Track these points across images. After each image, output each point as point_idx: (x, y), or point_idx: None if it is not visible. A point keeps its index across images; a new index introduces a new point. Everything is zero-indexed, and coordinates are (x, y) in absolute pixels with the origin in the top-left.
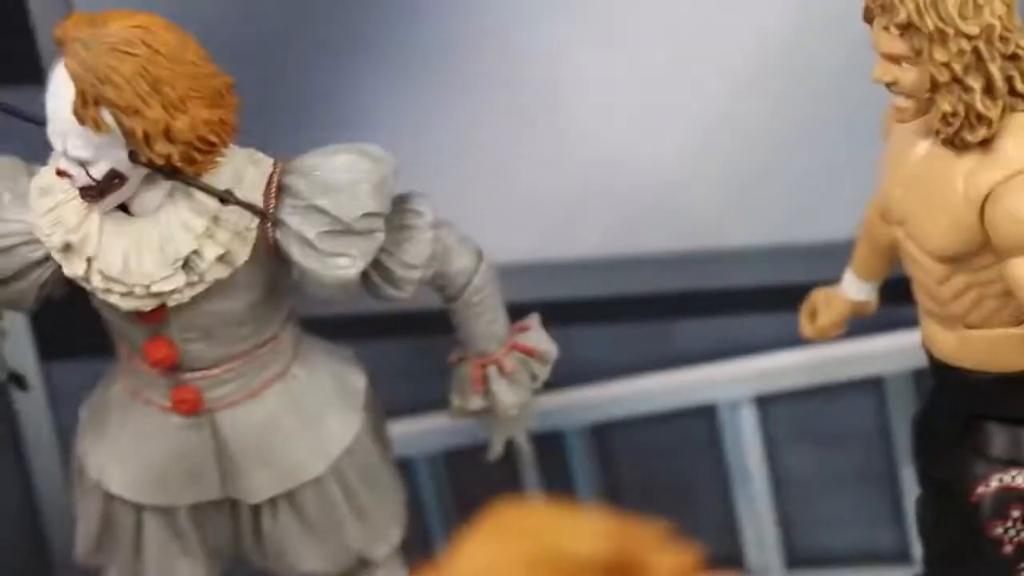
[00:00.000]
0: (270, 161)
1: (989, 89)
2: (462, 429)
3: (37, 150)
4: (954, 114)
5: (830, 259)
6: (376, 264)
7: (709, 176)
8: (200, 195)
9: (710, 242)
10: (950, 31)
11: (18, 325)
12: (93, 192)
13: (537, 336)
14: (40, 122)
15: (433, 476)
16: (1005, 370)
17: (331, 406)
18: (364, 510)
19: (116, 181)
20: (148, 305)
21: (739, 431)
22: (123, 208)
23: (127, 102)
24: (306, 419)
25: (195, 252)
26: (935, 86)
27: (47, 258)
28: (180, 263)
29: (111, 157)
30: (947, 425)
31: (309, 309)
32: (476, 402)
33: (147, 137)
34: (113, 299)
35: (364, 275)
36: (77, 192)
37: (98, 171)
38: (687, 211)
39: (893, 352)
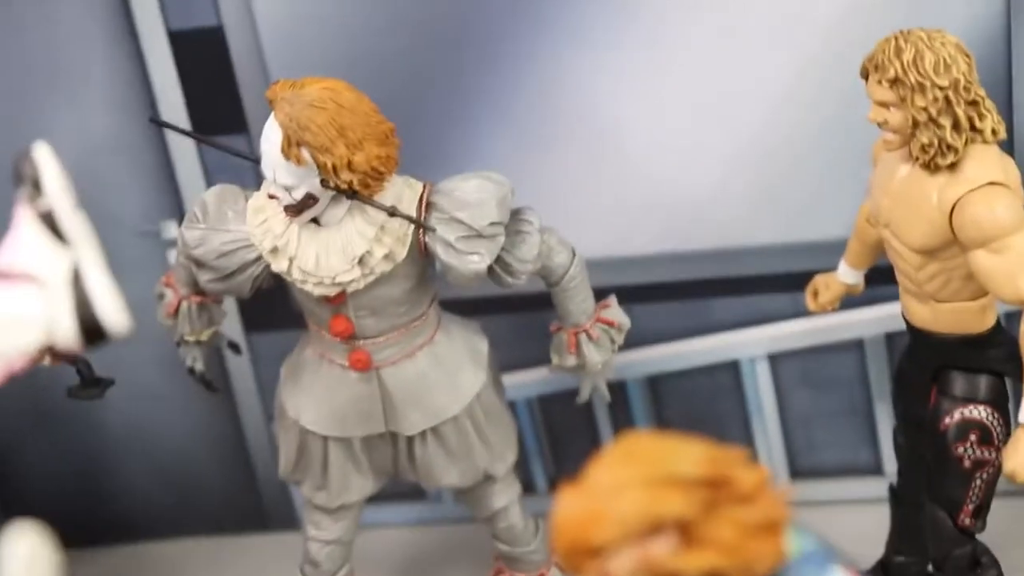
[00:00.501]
0: (420, 184)
1: (956, 126)
2: (550, 380)
3: (244, 180)
4: (930, 145)
5: (828, 252)
6: (498, 260)
7: (736, 192)
8: (371, 210)
9: (737, 241)
10: (927, 83)
11: (231, 307)
12: (294, 209)
13: (616, 311)
14: (255, 160)
15: (529, 413)
16: (966, 332)
17: (464, 364)
18: (488, 439)
19: (311, 201)
20: (333, 291)
21: (756, 380)
22: (315, 221)
23: (320, 143)
24: (447, 374)
25: (367, 252)
26: (915, 124)
27: (259, 258)
28: (356, 260)
29: (308, 184)
30: (920, 375)
31: (448, 294)
32: (570, 360)
33: (334, 169)
34: (308, 287)
35: (489, 268)
36: (282, 209)
37: (298, 194)
38: (720, 217)
39: (871, 321)
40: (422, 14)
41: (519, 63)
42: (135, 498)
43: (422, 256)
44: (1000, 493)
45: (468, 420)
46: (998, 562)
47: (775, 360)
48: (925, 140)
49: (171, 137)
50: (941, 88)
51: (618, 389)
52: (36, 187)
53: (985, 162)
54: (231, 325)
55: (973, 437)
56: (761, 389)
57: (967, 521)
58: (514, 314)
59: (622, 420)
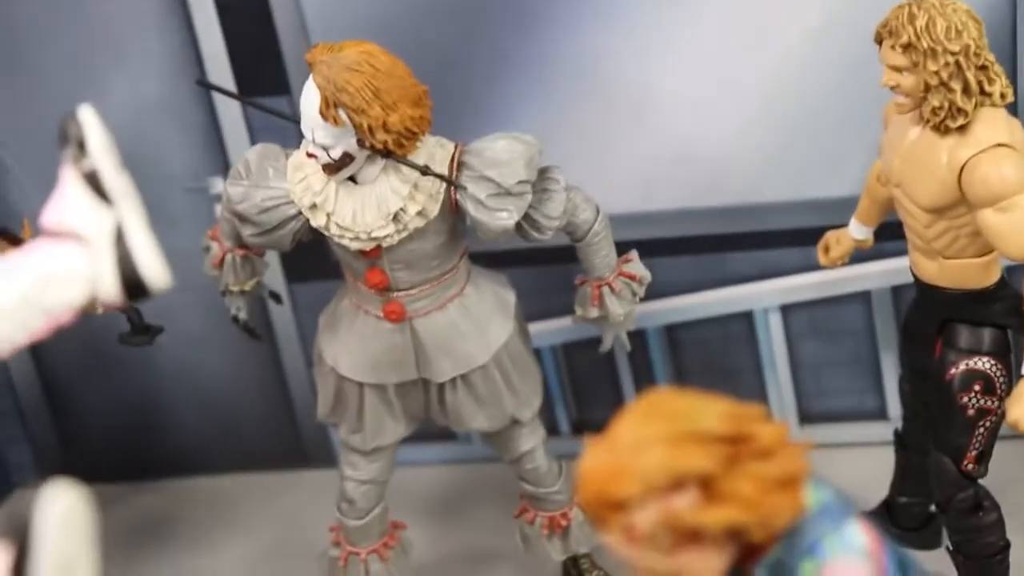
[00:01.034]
0: (452, 144)
1: (966, 90)
2: (573, 329)
3: (287, 140)
4: (940, 108)
5: (838, 209)
6: (526, 217)
7: (751, 150)
8: (405, 169)
9: (752, 198)
10: (939, 49)
11: (272, 259)
12: (332, 167)
13: (637, 265)
14: (296, 120)
15: (554, 361)
16: (971, 287)
17: (492, 315)
18: (515, 386)
19: (348, 160)
20: (368, 246)
21: (769, 330)
22: (352, 178)
23: (357, 105)
24: (476, 324)
25: (401, 209)
26: (927, 88)
27: (299, 214)
28: (391, 216)
29: (345, 143)
30: (926, 327)
31: (478, 247)
32: (593, 312)
33: (370, 129)
34: (345, 242)
35: (517, 224)
36: (320, 168)
37: (336, 153)
38: (736, 176)
39: (878, 274)
40: None
41: (547, 27)
42: (184, 435)
43: (453, 213)
44: (999, 436)
45: (496, 368)
46: (998, 505)
47: (787, 311)
48: (936, 103)
49: (217, 98)
50: (952, 53)
51: (638, 338)
52: (81, 148)
53: (994, 125)
54: (273, 275)
55: (977, 387)
56: (773, 338)
57: (970, 467)
58: (540, 266)
59: (641, 367)
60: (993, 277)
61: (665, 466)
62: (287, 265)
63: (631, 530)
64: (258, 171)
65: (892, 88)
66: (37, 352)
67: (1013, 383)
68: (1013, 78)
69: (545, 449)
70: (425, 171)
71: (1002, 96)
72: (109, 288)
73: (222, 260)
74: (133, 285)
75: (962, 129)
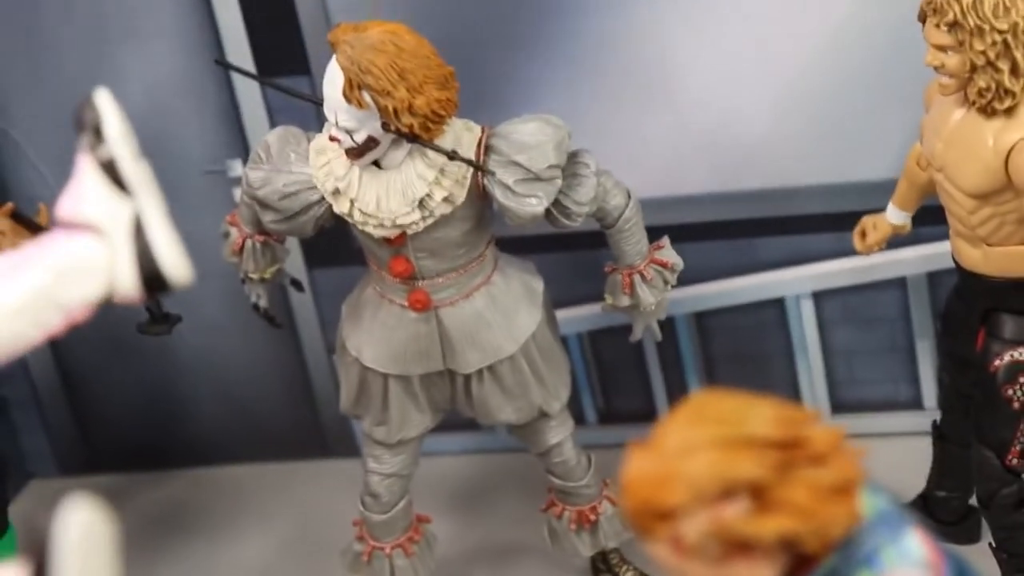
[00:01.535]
0: (479, 128)
1: (1014, 70)
2: (601, 316)
3: (307, 121)
4: (987, 89)
5: (872, 193)
6: (555, 202)
7: (784, 132)
8: (431, 153)
9: (785, 181)
10: (986, 27)
11: (293, 245)
12: (355, 152)
13: (669, 252)
14: (318, 102)
15: (580, 348)
16: (1017, 275)
17: (520, 304)
18: (543, 378)
19: (372, 144)
20: (393, 233)
21: (801, 317)
22: (376, 164)
23: (381, 86)
24: (503, 313)
25: (427, 195)
26: (973, 68)
27: (321, 199)
28: (416, 203)
29: (369, 126)
30: (969, 316)
31: (505, 232)
32: (624, 300)
33: (395, 112)
34: (369, 229)
35: (547, 210)
36: (344, 152)
37: (360, 137)
38: (768, 159)
39: (913, 260)
40: None
41: (577, 8)
42: (203, 424)
43: (480, 198)
44: None
45: (523, 359)
46: None
47: (819, 297)
48: (983, 84)
49: (236, 79)
50: (1000, 32)
51: (666, 325)
52: (97, 134)
53: None
54: (294, 261)
55: (1022, 379)
56: (805, 326)
57: (1015, 461)
58: (567, 252)
59: (670, 355)
60: None
61: (715, 473)
62: (307, 250)
63: (679, 540)
64: (279, 155)
65: (936, 68)
66: (54, 340)
67: None
68: None
69: (574, 442)
70: (452, 156)
71: None
72: (127, 282)
73: (242, 246)
74: (152, 279)
75: (1009, 111)
